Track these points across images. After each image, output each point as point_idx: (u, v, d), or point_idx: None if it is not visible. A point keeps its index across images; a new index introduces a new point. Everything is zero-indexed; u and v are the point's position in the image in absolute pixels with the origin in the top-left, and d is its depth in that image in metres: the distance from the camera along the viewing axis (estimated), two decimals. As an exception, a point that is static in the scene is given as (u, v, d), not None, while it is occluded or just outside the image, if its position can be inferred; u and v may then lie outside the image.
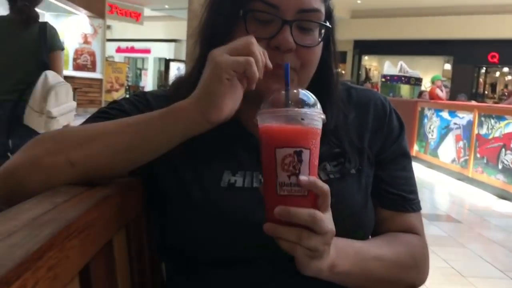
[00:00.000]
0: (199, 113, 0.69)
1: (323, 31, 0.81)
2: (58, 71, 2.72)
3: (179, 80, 0.92)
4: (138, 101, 0.88)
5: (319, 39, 0.80)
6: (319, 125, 0.65)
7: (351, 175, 0.85)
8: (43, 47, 2.63)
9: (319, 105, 0.67)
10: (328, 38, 0.85)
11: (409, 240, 0.88)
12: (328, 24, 0.81)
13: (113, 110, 0.85)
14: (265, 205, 0.66)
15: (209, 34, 0.84)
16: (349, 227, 0.80)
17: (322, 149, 0.71)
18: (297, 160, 0.63)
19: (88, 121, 0.83)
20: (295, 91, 0.67)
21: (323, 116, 0.66)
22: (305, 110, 0.64)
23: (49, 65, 2.68)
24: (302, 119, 0.63)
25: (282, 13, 0.76)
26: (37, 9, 2.74)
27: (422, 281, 0.89)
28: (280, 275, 0.78)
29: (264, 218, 0.67)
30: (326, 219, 0.64)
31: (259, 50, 0.69)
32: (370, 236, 0.88)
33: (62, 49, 2.90)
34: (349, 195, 0.84)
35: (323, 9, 0.80)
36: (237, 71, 0.67)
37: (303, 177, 0.63)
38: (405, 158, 0.93)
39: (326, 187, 0.64)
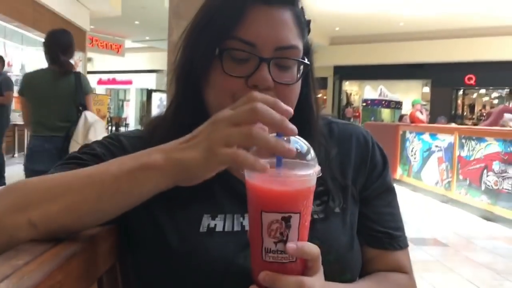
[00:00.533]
0: (172, 179, 0.64)
1: (301, 67, 0.79)
2: (91, 110, 3.50)
3: (155, 120, 0.89)
4: (111, 143, 0.84)
5: (298, 76, 0.79)
6: (312, 182, 0.60)
7: (335, 215, 0.82)
8: (80, 92, 3.38)
9: (312, 152, 0.62)
10: (307, 74, 0.83)
11: (399, 281, 0.85)
12: (306, 60, 0.79)
13: (84, 155, 0.81)
14: (251, 263, 0.62)
15: (185, 72, 0.81)
16: (335, 271, 0.76)
17: None
18: (285, 227, 0.57)
19: (57, 168, 0.79)
20: (285, 138, 0.60)
21: (318, 172, 0.60)
22: (297, 173, 0.58)
23: (85, 106, 3.41)
24: (292, 181, 0.58)
25: (259, 51, 0.74)
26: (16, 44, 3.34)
27: None
28: None
29: (247, 266, 0.64)
30: (316, 282, 0.60)
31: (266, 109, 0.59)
32: (357, 278, 0.85)
33: (92, 92, 3.68)
34: (335, 236, 0.80)
35: (300, 46, 0.79)
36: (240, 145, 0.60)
37: (290, 245, 0.58)
38: (390, 194, 0.91)
39: (315, 251, 0.60)
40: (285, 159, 0.58)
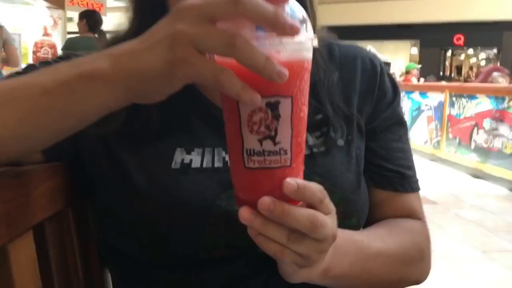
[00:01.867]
0: (122, 94, 0.46)
1: None
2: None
3: (115, 36, 0.71)
4: (58, 61, 0.67)
5: None
6: (307, 55, 0.44)
7: (338, 148, 0.67)
8: None
9: (309, 24, 0.44)
10: None
11: (413, 228, 0.72)
12: None
13: (25, 73, 0.64)
14: (232, 180, 0.48)
15: None
16: (340, 214, 0.61)
17: None
18: (271, 117, 0.43)
19: None
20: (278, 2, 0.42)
21: (314, 42, 0.44)
22: (286, 39, 0.42)
23: None
24: (278, 51, 0.41)
25: None
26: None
27: (427, 275, 0.74)
28: (254, 279, 0.60)
29: (231, 208, 0.48)
30: (329, 223, 0.47)
31: None
32: (363, 224, 0.71)
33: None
34: (339, 173, 0.66)
35: None
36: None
37: (289, 182, 0.44)
38: (402, 127, 0.76)
39: (320, 195, 0.47)
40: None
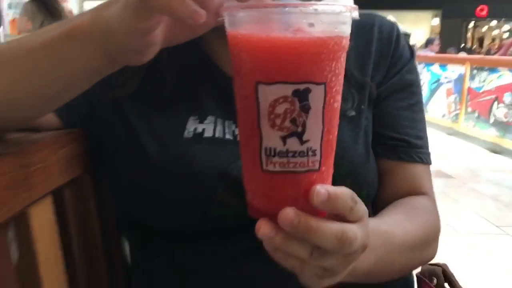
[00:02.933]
0: (100, 49, 0.45)
1: None
2: None
3: None
4: None
5: None
6: (346, 29, 0.36)
7: (349, 119, 0.66)
8: None
9: None
10: None
11: (427, 208, 0.71)
12: None
13: None
14: (244, 182, 0.41)
15: None
16: (349, 186, 0.60)
17: None
18: (299, 109, 0.35)
19: None
20: None
21: (354, 13, 0.36)
22: (317, 5, 0.34)
23: None
24: (312, 23, 0.33)
25: None
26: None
27: (435, 253, 0.72)
28: (263, 252, 0.60)
29: (241, 179, 0.47)
30: (359, 235, 0.40)
31: None
32: (373, 197, 0.70)
33: None
34: (348, 145, 0.65)
35: None
36: None
37: (319, 189, 0.36)
38: (413, 95, 0.73)
39: (353, 200, 0.40)
40: None
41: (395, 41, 0.73)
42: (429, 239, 0.68)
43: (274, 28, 0.34)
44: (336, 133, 0.39)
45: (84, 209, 0.65)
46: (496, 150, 5.56)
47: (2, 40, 6.99)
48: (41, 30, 0.49)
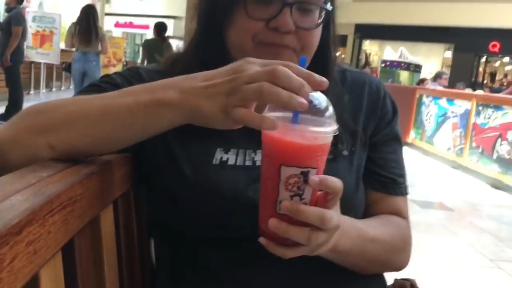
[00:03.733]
0: (185, 119, 0.63)
1: (323, 13, 0.79)
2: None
3: (175, 56, 0.90)
4: (131, 75, 0.86)
5: (319, 21, 0.79)
6: (330, 139, 0.60)
7: (343, 157, 0.85)
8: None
9: (331, 109, 0.62)
10: (328, 19, 0.83)
11: (399, 223, 0.90)
12: (328, 6, 0.80)
13: (104, 84, 0.83)
14: (259, 215, 0.63)
15: (207, 10, 0.82)
16: (340, 210, 0.79)
17: None
18: (302, 181, 0.58)
19: (78, 94, 0.81)
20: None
21: (336, 130, 0.61)
22: (320, 129, 0.58)
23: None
24: (316, 137, 0.58)
25: None
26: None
27: (406, 264, 0.91)
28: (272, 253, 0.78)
29: (256, 198, 0.65)
30: (335, 215, 0.62)
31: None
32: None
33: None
34: (341, 177, 0.82)
35: None
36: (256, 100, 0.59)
37: (313, 178, 0.58)
38: (397, 142, 0.94)
39: (338, 184, 0.61)
40: (302, 115, 0.58)
41: (383, 97, 0.93)
42: (397, 246, 0.86)
43: (294, 137, 0.57)
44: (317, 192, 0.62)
45: (130, 215, 0.83)
46: (498, 186, 5.68)
47: (25, 51, 7.35)
48: (128, 91, 0.67)
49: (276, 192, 0.59)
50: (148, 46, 7.56)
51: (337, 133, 0.60)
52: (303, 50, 0.79)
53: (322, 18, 0.79)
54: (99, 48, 6.70)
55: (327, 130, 0.59)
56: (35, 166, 0.59)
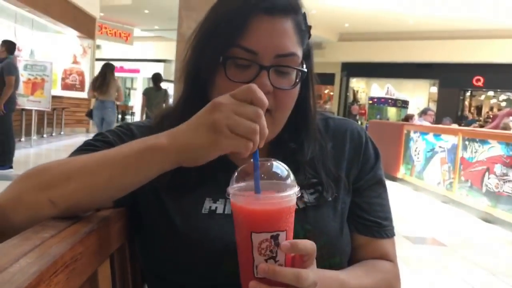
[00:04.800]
0: (175, 160, 0.70)
1: (300, 74, 0.85)
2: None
3: (164, 112, 0.96)
4: (123, 132, 0.92)
5: (296, 81, 0.85)
6: (294, 201, 0.65)
7: (327, 203, 0.89)
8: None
9: (292, 176, 0.67)
10: (307, 77, 0.89)
11: (385, 268, 0.92)
12: (304, 67, 0.85)
13: (98, 142, 0.88)
14: (241, 280, 0.67)
15: (192, 74, 0.88)
16: (325, 254, 0.83)
17: (300, 179, 0.74)
18: (274, 244, 0.62)
19: (74, 153, 0.86)
20: (268, 164, 0.67)
21: (298, 193, 0.66)
22: (281, 194, 0.64)
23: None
24: (280, 202, 0.63)
25: (260, 59, 0.81)
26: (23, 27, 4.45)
27: None
28: None
29: None
30: (311, 274, 0.65)
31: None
32: (346, 262, 0.91)
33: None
34: (326, 222, 0.87)
35: (300, 52, 0.84)
36: (239, 132, 0.66)
37: (284, 244, 0.62)
38: (381, 186, 0.97)
39: (310, 246, 0.65)
40: (268, 180, 0.66)
41: (365, 143, 0.97)
42: None
43: (259, 204, 0.63)
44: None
45: (125, 267, 0.87)
46: (488, 219, 5.71)
47: (17, 99, 7.53)
48: (123, 144, 0.74)
49: (251, 257, 0.63)
50: (147, 94, 8.76)
51: (299, 195, 0.66)
52: (278, 109, 0.84)
53: (299, 77, 0.85)
54: (115, 96, 8.22)
55: (289, 193, 0.64)
56: (37, 227, 0.63)
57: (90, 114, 8.61)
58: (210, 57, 0.83)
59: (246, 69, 0.82)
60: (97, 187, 0.72)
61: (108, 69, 8.03)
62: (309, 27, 0.89)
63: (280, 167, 0.68)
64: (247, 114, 0.66)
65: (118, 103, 8.75)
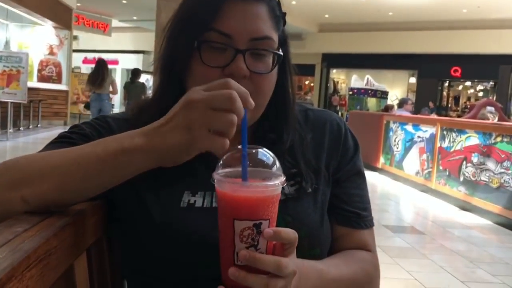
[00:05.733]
0: (153, 161, 0.68)
1: (276, 58, 0.84)
2: None
3: (141, 104, 0.94)
4: (99, 124, 0.90)
5: (272, 66, 0.84)
6: (279, 190, 0.65)
7: (307, 194, 0.88)
8: None
9: (277, 163, 0.67)
10: (284, 62, 0.88)
11: (363, 258, 0.92)
12: (280, 51, 0.85)
13: (74, 135, 0.86)
14: (221, 266, 0.66)
15: (168, 63, 0.87)
16: (306, 246, 0.83)
17: None
18: (256, 233, 0.62)
19: (48, 146, 0.84)
20: (253, 151, 0.66)
21: (284, 182, 0.65)
22: (267, 183, 0.63)
23: None
24: (263, 191, 0.63)
25: (235, 42, 0.80)
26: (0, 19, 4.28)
27: None
28: None
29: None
30: (291, 262, 0.65)
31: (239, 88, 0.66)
32: (327, 254, 0.91)
33: None
34: (306, 214, 0.87)
35: (275, 37, 0.84)
36: (215, 127, 0.64)
37: (267, 231, 0.62)
38: (360, 177, 0.97)
39: (292, 235, 0.64)
40: (254, 168, 0.64)
41: (344, 134, 0.97)
42: (360, 281, 0.89)
43: (243, 192, 0.62)
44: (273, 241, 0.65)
45: (103, 261, 0.85)
46: (466, 207, 5.82)
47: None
48: (98, 142, 0.71)
49: (233, 244, 0.63)
50: (127, 87, 9.90)
51: (284, 184, 0.65)
52: (257, 94, 0.83)
53: (275, 62, 0.84)
54: (110, 89, 9.36)
55: (274, 183, 0.63)
56: (10, 221, 0.61)
57: (88, 106, 9.85)
58: (185, 44, 0.82)
59: (221, 53, 0.81)
60: (70, 188, 0.70)
61: (102, 65, 9.22)
62: (284, 14, 0.88)
63: (266, 154, 0.67)
64: (221, 104, 0.64)
65: (112, 96, 9.76)
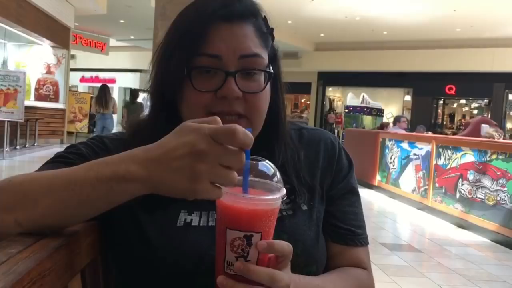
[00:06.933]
0: (148, 190, 0.65)
1: (267, 76, 0.85)
2: None
3: (136, 124, 0.94)
4: (95, 144, 0.90)
5: (264, 84, 0.84)
6: (276, 205, 0.64)
7: (303, 211, 0.89)
8: None
9: (278, 175, 0.66)
10: (275, 79, 0.89)
11: (359, 275, 0.92)
12: (271, 68, 0.86)
13: (70, 155, 0.86)
14: (215, 270, 0.66)
15: (160, 89, 0.88)
16: (302, 263, 0.83)
17: None
18: (246, 244, 0.62)
19: (44, 166, 0.84)
20: (254, 162, 0.65)
21: (283, 196, 0.64)
22: (263, 197, 0.62)
23: None
24: (256, 204, 0.62)
25: (224, 63, 0.81)
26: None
27: None
28: None
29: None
30: (285, 276, 0.65)
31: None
32: (322, 271, 0.91)
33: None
34: (302, 231, 0.87)
35: (264, 54, 0.85)
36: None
37: (261, 243, 0.62)
38: (354, 195, 0.98)
39: (286, 248, 0.64)
40: (254, 178, 0.63)
41: (338, 152, 0.98)
42: None
43: (237, 202, 0.62)
44: (267, 255, 0.65)
45: (97, 282, 0.85)
46: (463, 225, 5.81)
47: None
48: (91, 164, 0.68)
49: (224, 252, 0.63)
50: (127, 107, 11.70)
51: (284, 198, 0.64)
52: (253, 113, 0.84)
53: (267, 80, 0.85)
54: (112, 110, 11.03)
55: (268, 197, 0.62)
56: (4, 243, 0.61)
57: (93, 124, 11.72)
58: (175, 71, 0.82)
59: (212, 77, 0.81)
60: (64, 213, 0.69)
61: (105, 90, 11.05)
62: (271, 29, 0.89)
63: (266, 166, 0.67)
64: (230, 163, 0.60)
65: (114, 115, 11.41)
